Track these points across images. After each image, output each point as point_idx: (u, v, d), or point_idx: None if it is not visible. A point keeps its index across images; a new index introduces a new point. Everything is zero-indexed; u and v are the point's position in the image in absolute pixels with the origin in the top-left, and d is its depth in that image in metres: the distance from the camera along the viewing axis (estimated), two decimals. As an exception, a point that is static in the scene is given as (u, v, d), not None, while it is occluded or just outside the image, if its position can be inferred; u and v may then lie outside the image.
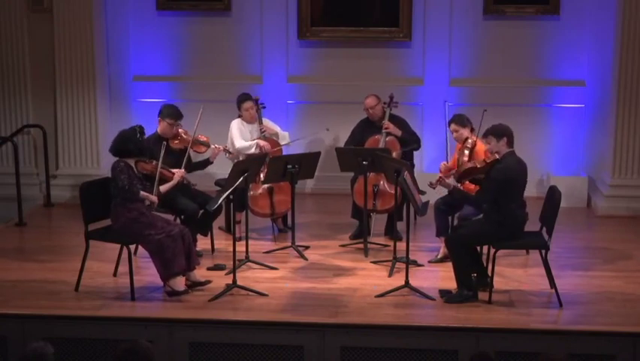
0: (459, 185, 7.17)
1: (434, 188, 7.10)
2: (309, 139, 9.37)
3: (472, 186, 7.15)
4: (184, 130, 7.83)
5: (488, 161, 6.77)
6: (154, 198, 6.92)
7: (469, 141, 7.55)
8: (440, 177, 7.02)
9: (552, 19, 9.64)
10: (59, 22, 9.47)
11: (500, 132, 6.74)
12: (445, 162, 7.61)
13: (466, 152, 7.49)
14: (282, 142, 8.48)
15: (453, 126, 7.72)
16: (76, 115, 9.64)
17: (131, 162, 6.86)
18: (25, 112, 9.82)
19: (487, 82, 9.77)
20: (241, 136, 8.28)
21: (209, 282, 6.96)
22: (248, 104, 8.32)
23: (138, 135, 6.82)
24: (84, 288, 6.93)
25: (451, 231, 7.36)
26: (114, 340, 6.12)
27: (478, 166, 6.82)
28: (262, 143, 8.17)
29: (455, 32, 9.75)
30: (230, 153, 8.11)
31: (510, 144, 6.74)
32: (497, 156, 6.73)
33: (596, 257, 7.81)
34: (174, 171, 7.34)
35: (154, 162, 7.06)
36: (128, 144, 6.80)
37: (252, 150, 8.14)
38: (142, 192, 6.82)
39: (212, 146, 7.91)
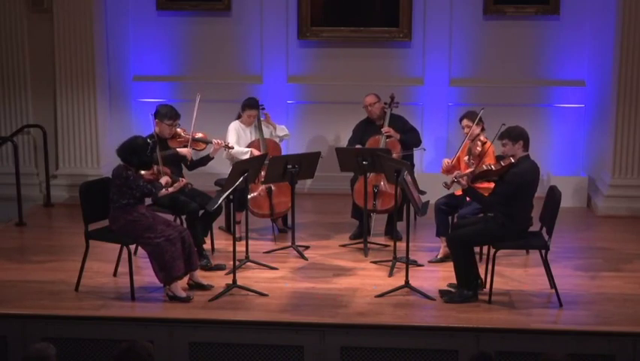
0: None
1: (449, 188, 7.01)
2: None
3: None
4: (182, 128, 7.81)
5: (504, 164, 6.74)
6: (182, 181, 7.11)
7: (479, 142, 7.52)
8: (456, 176, 6.92)
9: (552, 19, 9.64)
10: (59, 22, 9.47)
11: (516, 136, 6.71)
12: (448, 160, 7.60)
13: (478, 148, 7.45)
14: (281, 133, 8.46)
15: (465, 122, 7.69)
16: (76, 115, 9.64)
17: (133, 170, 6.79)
18: (25, 112, 9.82)
19: (487, 82, 9.77)
20: (239, 139, 8.27)
21: (211, 287, 6.94)
22: (253, 112, 8.26)
23: (149, 151, 6.74)
24: (84, 288, 6.93)
25: (452, 229, 7.34)
26: (114, 340, 6.10)
27: (494, 169, 6.77)
28: (255, 152, 8.13)
29: (455, 32, 9.75)
30: (230, 148, 8.07)
31: (526, 147, 6.71)
32: (512, 160, 6.71)
33: (596, 257, 7.81)
34: (181, 180, 7.27)
35: (155, 168, 6.99)
36: (134, 156, 6.69)
37: (246, 157, 8.09)
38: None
39: (215, 141, 7.88)
